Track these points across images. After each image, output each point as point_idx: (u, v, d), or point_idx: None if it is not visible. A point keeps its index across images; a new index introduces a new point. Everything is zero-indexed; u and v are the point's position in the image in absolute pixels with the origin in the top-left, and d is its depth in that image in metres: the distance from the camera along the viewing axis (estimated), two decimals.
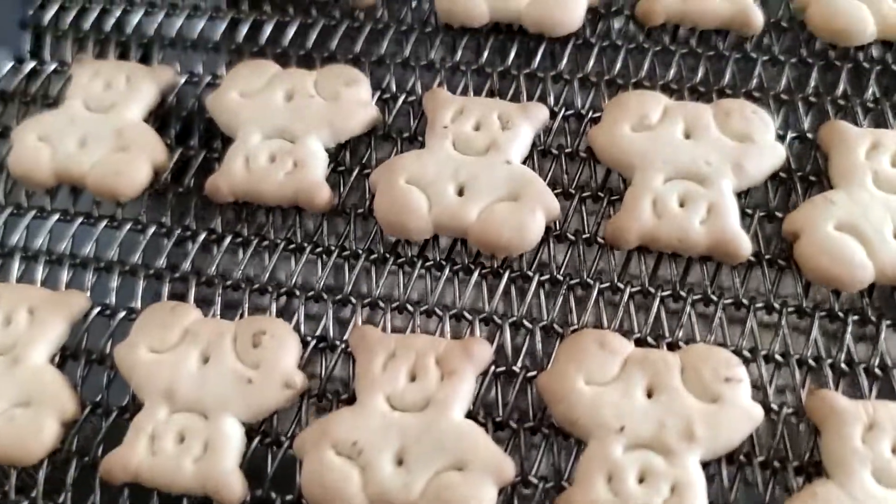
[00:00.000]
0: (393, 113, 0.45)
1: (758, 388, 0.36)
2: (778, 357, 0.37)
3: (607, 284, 0.39)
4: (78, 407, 0.38)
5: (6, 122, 0.48)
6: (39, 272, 0.42)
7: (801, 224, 0.39)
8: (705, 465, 0.34)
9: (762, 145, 0.41)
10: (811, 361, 0.37)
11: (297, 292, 0.40)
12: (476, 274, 0.40)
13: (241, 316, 0.40)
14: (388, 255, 0.41)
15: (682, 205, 0.39)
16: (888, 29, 0.44)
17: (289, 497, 0.36)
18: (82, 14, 0.52)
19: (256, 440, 0.36)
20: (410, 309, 0.39)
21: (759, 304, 0.38)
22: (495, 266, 0.40)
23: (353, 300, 0.40)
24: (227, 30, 0.50)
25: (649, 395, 0.35)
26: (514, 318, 0.39)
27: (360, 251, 0.41)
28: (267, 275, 0.41)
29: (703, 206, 0.39)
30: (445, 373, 0.36)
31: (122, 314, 0.40)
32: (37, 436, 0.36)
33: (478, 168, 0.40)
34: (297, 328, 0.39)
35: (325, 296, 0.40)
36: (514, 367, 0.38)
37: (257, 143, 0.43)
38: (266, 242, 0.42)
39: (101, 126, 0.44)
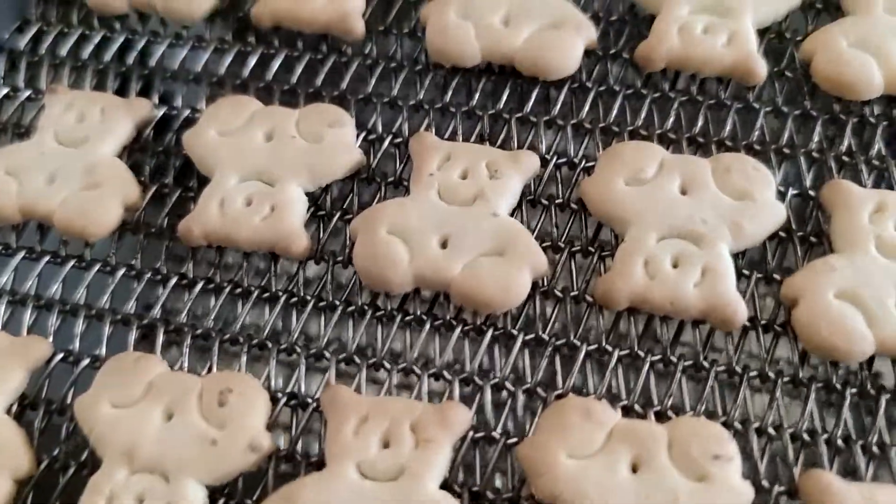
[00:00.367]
0: (378, 155, 0.44)
1: (749, 455, 0.34)
2: (770, 430, 0.35)
3: (595, 346, 0.38)
4: (33, 463, 0.36)
5: None
6: (1, 312, 0.40)
7: (801, 290, 0.37)
8: None
9: (762, 204, 0.39)
10: (805, 436, 0.35)
11: (269, 344, 0.39)
12: (458, 330, 0.38)
13: (211, 367, 0.38)
14: (366, 308, 0.39)
15: (675, 265, 0.37)
16: None
17: None
18: (59, 39, 0.50)
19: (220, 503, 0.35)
20: (388, 366, 0.38)
21: (753, 373, 0.37)
22: (478, 323, 0.38)
23: (328, 354, 0.38)
24: (210, 61, 0.48)
25: (634, 470, 0.33)
26: (497, 380, 0.37)
27: (338, 302, 0.39)
28: (239, 324, 0.39)
29: (697, 268, 0.37)
30: (420, 440, 0.34)
31: (85, 362, 0.39)
32: None
33: (463, 220, 0.39)
34: (267, 381, 0.37)
35: (299, 349, 0.38)
36: (494, 434, 0.36)
37: (234, 184, 0.41)
38: (239, 290, 0.40)
39: (72, 161, 0.43)
